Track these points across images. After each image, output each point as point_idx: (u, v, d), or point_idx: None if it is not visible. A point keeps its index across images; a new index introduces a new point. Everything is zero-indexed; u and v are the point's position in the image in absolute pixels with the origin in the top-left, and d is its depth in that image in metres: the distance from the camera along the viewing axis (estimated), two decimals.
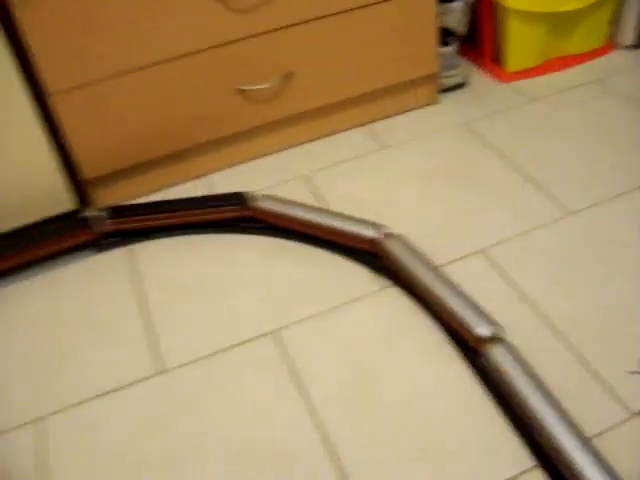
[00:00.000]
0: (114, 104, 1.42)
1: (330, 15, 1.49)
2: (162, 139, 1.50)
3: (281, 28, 1.46)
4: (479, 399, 1.03)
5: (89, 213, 1.46)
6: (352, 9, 1.50)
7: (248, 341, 1.18)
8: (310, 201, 1.46)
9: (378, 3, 1.54)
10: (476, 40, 1.89)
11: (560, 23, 1.75)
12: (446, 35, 1.79)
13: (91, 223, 1.44)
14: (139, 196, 1.57)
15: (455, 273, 1.24)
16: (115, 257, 1.42)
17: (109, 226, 1.45)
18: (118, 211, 1.47)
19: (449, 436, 0.99)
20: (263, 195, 1.41)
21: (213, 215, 1.44)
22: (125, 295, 1.31)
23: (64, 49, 1.31)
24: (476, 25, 1.86)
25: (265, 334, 1.19)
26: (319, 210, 1.36)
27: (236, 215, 1.43)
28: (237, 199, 1.42)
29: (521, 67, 1.80)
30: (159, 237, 1.45)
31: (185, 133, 1.51)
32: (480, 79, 1.82)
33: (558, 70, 1.81)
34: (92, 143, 1.45)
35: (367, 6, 1.52)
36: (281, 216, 1.38)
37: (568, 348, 1.08)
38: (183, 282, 1.32)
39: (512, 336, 1.10)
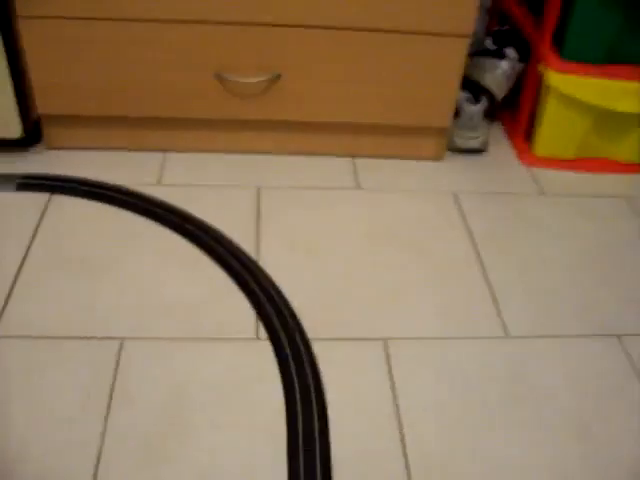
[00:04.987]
0: (83, 47, 1.31)
1: (343, 28, 1.33)
2: (125, 99, 1.39)
3: (279, 25, 1.31)
4: None
5: None
6: (374, 30, 1.34)
7: (87, 338, 1.05)
8: (247, 216, 1.32)
9: (408, 33, 1.37)
10: (515, 110, 1.69)
11: (608, 121, 1.52)
12: (480, 92, 1.59)
13: None
14: (88, 148, 1.47)
15: (339, 351, 1.07)
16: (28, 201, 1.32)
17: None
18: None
19: None
20: None
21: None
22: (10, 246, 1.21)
23: None
24: (519, 94, 1.65)
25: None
26: None
27: None
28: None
29: (550, 154, 1.58)
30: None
31: (151, 101, 1.39)
32: (502, 153, 1.62)
33: (590, 171, 1.59)
34: (52, 79, 1.35)
35: (393, 32, 1.36)
36: None
37: None
38: (72, 255, 1.20)
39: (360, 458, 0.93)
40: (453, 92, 1.43)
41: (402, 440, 0.94)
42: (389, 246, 1.28)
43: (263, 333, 1.07)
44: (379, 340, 1.09)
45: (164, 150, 1.49)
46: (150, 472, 0.87)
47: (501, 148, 1.63)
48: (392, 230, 1.32)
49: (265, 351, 1.05)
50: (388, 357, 1.06)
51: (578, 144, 1.56)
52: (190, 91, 1.38)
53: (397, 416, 0.97)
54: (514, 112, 1.70)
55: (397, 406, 0.98)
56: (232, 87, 1.38)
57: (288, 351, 1.04)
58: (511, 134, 1.67)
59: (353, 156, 1.53)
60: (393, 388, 1.01)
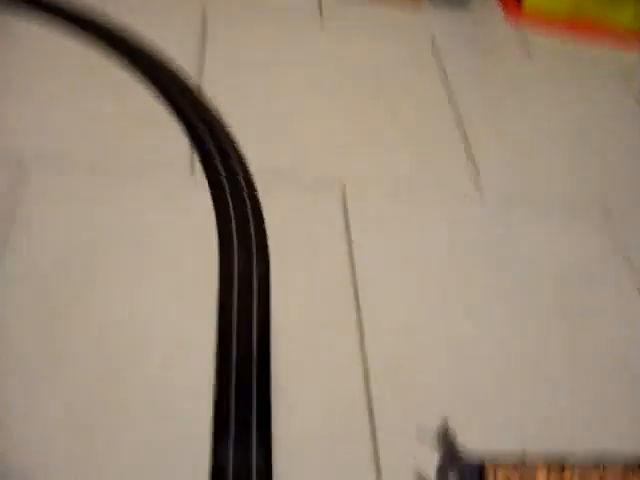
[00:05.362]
0: None
1: None
2: None
3: None
4: None
5: None
6: None
7: None
8: (191, 33, 1.10)
9: None
10: None
11: None
12: None
13: None
14: None
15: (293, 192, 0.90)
16: None
17: None
18: None
19: None
20: None
21: None
22: None
23: None
24: None
25: None
26: None
27: None
28: None
29: (540, 12, 1.39)
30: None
31: None
32: (488, 7, 1.42)
33: (582, 37, 1.41)
34: None
35: None
36: None
37: None
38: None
39: None
40: None
41: (358, 310, 0.79)
42: (355, 87, 1.10)
43: (199, 168, 0.90)
44: (335, 181, 0.92)
45: None
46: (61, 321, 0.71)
47: (487, 2, 1.44)
48: (360, 73, 1.14)
49: (200, 189, 0.87)
50: (344, 202, 0.90)
51: (572, 3, 1.38)
52: None
53: (353, 283, 0.81)
54: None
55: (354, 270, 0.83)
56: None
57: (227, 188, 0.87)
58: None
59: None
60: (349, 243, 0.85)
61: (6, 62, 0.99)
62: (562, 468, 0.70)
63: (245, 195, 0.87)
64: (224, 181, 0.88)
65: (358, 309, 0.78)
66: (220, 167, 0.89)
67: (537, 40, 1.37)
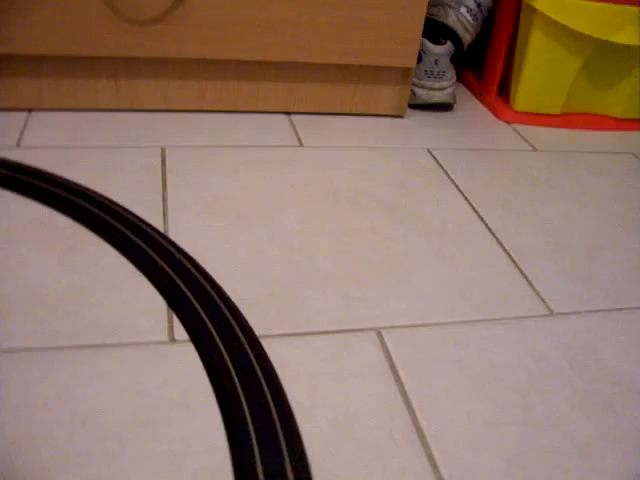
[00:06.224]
0: None
1: None
2: None
3: None
4: None
5: None
6: None
7: None
8: (147, 181, 0.90)
9: None
10: (481, 63, 1.37)
11: (602, 62, 1.22)
12: (445, 36, 1.27)
13: None
14: None
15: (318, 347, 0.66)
16: None
17: None
18: None
19: None
20: None
21: None
22: None
23: None
24: (486, 44, 1.34)
25: None
26: None
27: None
28: None
29: (534, 108, 1.26)
30: None
31: (14, 34, 0.97)
32: (474, 110, 1.29)
33: (585, 128, 1.28)
34: None
35: None
36: None
37: None
38: None
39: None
40: (419, 17, 1.08)
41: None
42: (354, 209, 0.90)
43: (181, 332, 0.66)
44: (370, 330, 0.69)
45: (29, 108, 1.06)
46: None
47: (472, 107, 1.30)
48: (356, 190, 0.94)
49: (186, 358, 0.63)
50: (387, 350, 0.67)
51: (567, 93, 1.25)
52: (68, 19, 0.97)
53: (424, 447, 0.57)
54: (479, 66, 1.39)
55: (421, 432, 0.59)
56: (127, 12, 0.98)
57: (225, 355, 0.63)
58: (480, 92, 1.35)
59: (288, 112, 1.16)
60: (405, 398, 0.61)
61: None
62: None
63: (250, 357, 0.63)
64: (219, 346, 0.64)
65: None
66: (211, 329, 0.66)
67: (536, 133, 1.22)
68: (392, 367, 0.64)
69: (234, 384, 0.60)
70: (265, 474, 0.53)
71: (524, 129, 1.23)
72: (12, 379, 0.58)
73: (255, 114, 1.13)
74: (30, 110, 1.06)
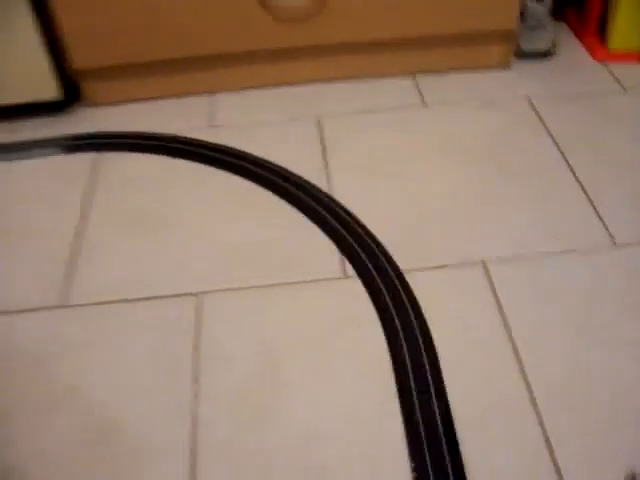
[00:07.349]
0: None
1: None
2: (166, 41, 1.29)
3: None
4: None
5: None
6: None
7: (162, 297, 0.98)
8: (312, 149, 1.22)
9: None
10: (580, 5, 1.53)
11: None
12: None
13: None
14: (132, 100, 1.38)
15: (436, 280, 0.97)
16: (80, 163, 1.25)
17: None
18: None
19: None
20: None
21: None
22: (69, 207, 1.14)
23: None
24: None
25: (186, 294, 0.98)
26: None
27: None
28: None
29: (627, 46, 1.43)
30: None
31: (193, 40, 1.29)
32: (572, 53, 1.48)
33: None
34: (85, 29, 1.26)
35: None
36: None
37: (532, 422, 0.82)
38: (133, 212, 1.13)
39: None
40: None
41: (522, 370, 0.85)
42: (468, 162, 1.17)
43: (350, 270, 0.99)
44: (477, 263, 0.99)
45: (211, 92, 1.39)
46: (254, 433, 0.80)
47: (570, 48, 1.49)
48: (467, 145, 1.21)
49: (355, 289, 0.96)
50: (490, 280, 0.96)
51: None
52: (234, 23, 1.27)
53: (514, 349, 0.87)
54: (579, 9, 1.55)
55: (511, 336, 0.89)
56: (279, 12, 1.26)
57: (381, 286, 0.95)
58: (580, 32, 1.52)
59: (413, 74, 1.41)
60: (502, 314, 0.91)
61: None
62: None
63: (398, 287, 0.95)
64: (376, 279, 0.96)
65: (528, 386, 0.84)
66: (370, 267, 0.98)
67: (627, 73, 1.40)
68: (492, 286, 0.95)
69: (388, 306, 0.93)
70: (410, 361, 0.86)
71: (617, 69, 1.41)
72: (246, 313, 0.94)
73: (385, 79, 1.40)
74: (212, 93, 1.38)
